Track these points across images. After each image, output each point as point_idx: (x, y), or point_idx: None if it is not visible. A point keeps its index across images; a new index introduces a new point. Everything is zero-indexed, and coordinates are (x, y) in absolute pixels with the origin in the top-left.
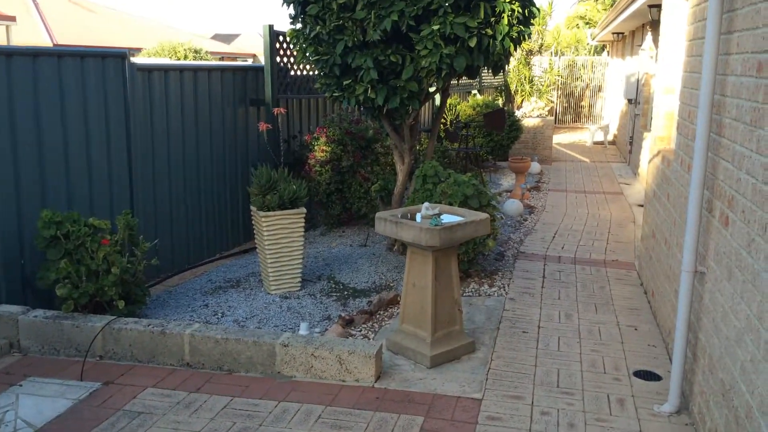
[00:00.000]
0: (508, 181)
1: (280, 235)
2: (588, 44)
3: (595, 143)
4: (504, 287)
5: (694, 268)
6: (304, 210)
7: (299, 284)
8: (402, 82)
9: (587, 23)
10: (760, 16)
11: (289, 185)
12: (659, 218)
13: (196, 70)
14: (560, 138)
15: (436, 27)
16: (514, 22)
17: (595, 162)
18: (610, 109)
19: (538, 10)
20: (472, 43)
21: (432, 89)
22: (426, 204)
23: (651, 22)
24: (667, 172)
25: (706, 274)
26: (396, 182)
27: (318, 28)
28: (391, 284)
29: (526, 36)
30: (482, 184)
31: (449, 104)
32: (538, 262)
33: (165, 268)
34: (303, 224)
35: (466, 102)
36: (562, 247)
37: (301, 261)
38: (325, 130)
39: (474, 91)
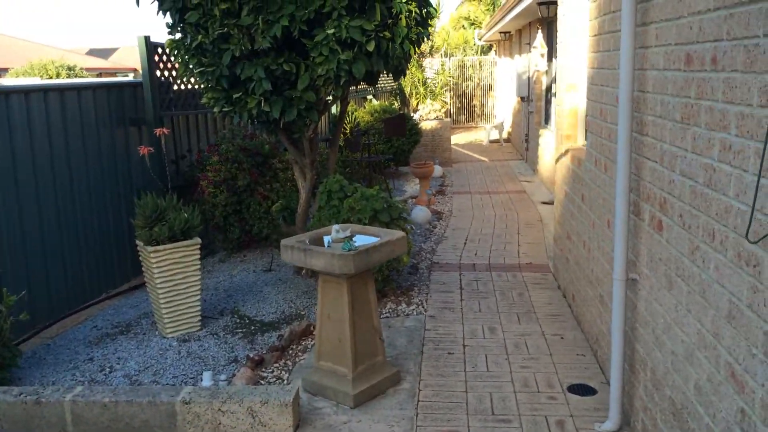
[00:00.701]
0: (411, 186)
1: (172, 270)
2: (475, 44)
3: (492, 142)
4: (422, 304)
5: (626, 276)
6: (199, 240)
7: (199, 323)
8: (298, 93)
9: (472, 24)
10: (683, 5)
11: (179, 214)
12: (575, 220)
13: (63, 89)
14: (457, 138)
15: (330, 31)
16: (413, 23)
17: (494, 161)
18: (502, 107)
19: (435, 10)
20: (371, 47)
21: (330, 98)
22: (336, 226)
23: (540, 19)
24: (579, 172)
25: (638, 281)
26: (299, 200)
27: (200, 37)
28: (302, 312)
29: (425, 38)
30: (388, 193)
31: (347, 111)
32: (453, 272)
33: (41, 317)
34: (198, 256)
35: (363, 108)
36: (476, 254)
37: (198, 297)
38: (217, 147)
39: (369, 96)
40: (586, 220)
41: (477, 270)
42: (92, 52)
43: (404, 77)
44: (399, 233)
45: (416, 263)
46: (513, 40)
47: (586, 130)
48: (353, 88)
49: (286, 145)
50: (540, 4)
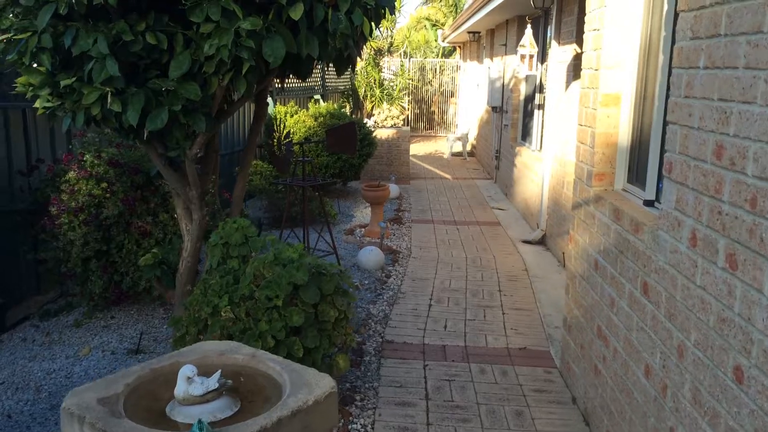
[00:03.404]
0: (361, 211)
1: None
2: (438, 46)
3: (454, 155)
4: (367, 429)
5: None
6: None
7: None
8: (171, 84)
9: (434, 25)
10: None
11: None
12: (620, 317)
13: None
14: (415, 148)
15: None
16: None
17: (458, 179)
18: (466, 116)
19: None
20: (296, 13)
21: (238, 95)
22: (188, 370)
23: (521, 15)
24: (640, 245)
25: None
26: (182, 251)
27: None
28: None
29: (386, 11)
30: (326, 215)
31: (278, 114)
32: (414, 360)
33: None
34: None
35: (306, 111)
36: (445, 327)
37: None
38: (77, 158)
39: (317, 96)
40: (659, 335)
41: (449, 358)
42: None
43: (353, 70)
44: (321, 389)
45: (362, 340)
46: (483, 42)
47: (626, 169)
48: (281, 80)
49: (159, 167)
50: None
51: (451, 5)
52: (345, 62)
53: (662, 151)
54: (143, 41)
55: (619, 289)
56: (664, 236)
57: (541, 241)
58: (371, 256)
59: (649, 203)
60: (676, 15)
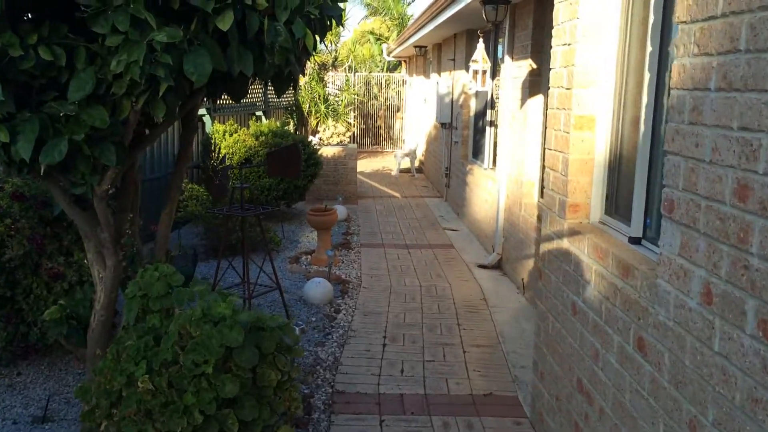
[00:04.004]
0: (307, 235)
1: None
2: (383, 60)
3: (402, 171)
4: None
5: None
6: None
7: None
8: (72, 108)
9: (378, 39)
10: None
11: None
12: (606, 372)
13: None
14: (362, 165)
15: None
16: None
17: (408, 197)
18: (413, 132)
19: None
20: (225, 22)
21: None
22: None
23: (472, 29)
24: (632, 293)
25: None
26: (94, 303)
27: None
28: None
29: (333, 22)
30: (268, 247)
31: (215, 134)
32: (369, 416)
33: None
34: None
35: (246, 129)
36: (402, 371)
37: None
38: None
39: (258, 113)
40: (662, 403)
41: (408, 410)
42: None
43: (296, 89)
44: None
45: (309, 394)
46: (429, 57)
47: (602, 199)
48: (213, 100)
49: (62, 205)
50: (486, 2)
51: (397, 19)
52: (285, 81)
53: (650, 183)
54: (36, 56)
55: (605, 341)
56: (665, 287)
57: (498, 266)
58: (318, 289)
59: (635, 241)
60: (664, 26)
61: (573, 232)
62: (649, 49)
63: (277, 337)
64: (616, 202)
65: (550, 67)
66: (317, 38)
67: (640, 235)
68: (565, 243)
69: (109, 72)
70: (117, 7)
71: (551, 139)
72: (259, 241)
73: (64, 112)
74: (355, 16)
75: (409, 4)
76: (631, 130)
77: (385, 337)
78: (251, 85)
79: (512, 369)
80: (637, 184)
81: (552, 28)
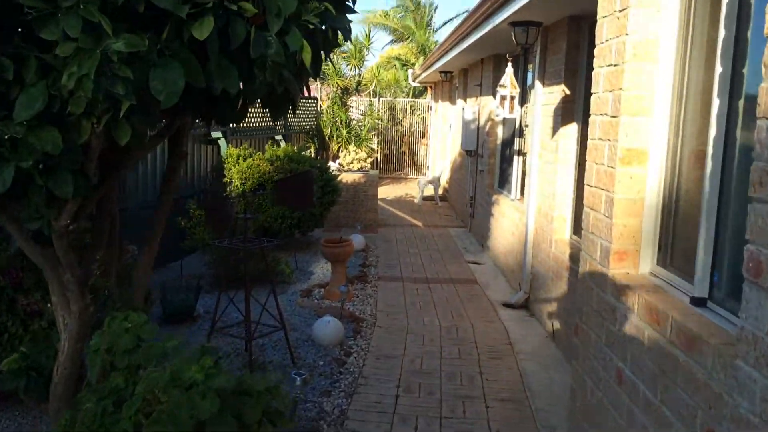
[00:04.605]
0: (322, 266)
1: None
2: (408, 85)
3: (425, 199)
4: None
5: None
6: None
7: None
8: (19, 130)
9: (404, 65)
10: None
11: None
12: None
13: None
14: (384, 191)
15: None
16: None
17: (430, 227)
18: (437, 158)
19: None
20: (202, 30)
21: (124, 142)
22: None
23: (499, 54)
24: (691, 365)
25: None
26: (58, 353)
27: None
28: None
29: (339, 35)
30: (273, 283)
31: (229, 158)
32: None
33: None
34: None
35: (261, 154)
36: (415, 428)
37: None
38: None
39: (278, 137)
40: None
41: None
42: None
43: (293, 113)
44: None
45: None
46: (455, 82)
47: (654, 247)
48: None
49: (19, 243)
50: (515, 24)
51: (420, 47)
52: (281, 102)
53: (719, 232)
54: None
55: (661, 424)
56: (749, 372)
57: (525, 305)
58: (328, 329)
59: (699, 302)
60: (738, 43)
61: (619, 286)
62: (718, 70)
63: (263, 403)
64: (672, 252)
65: (592, 91)
66: (322, 55)
67: (706, 296)
68: (608, 297)
69: (64, 87)
70: (68, 9)
71: (591, 174)
72: (269, 273)
73: (10, 134)
74: (381, 41)
75: (437, 30)
76: (692, 167)
77: (398, 387)
78: (248, 107)
79: (541, 430)
80: (702, 233)
81: (590, 50)
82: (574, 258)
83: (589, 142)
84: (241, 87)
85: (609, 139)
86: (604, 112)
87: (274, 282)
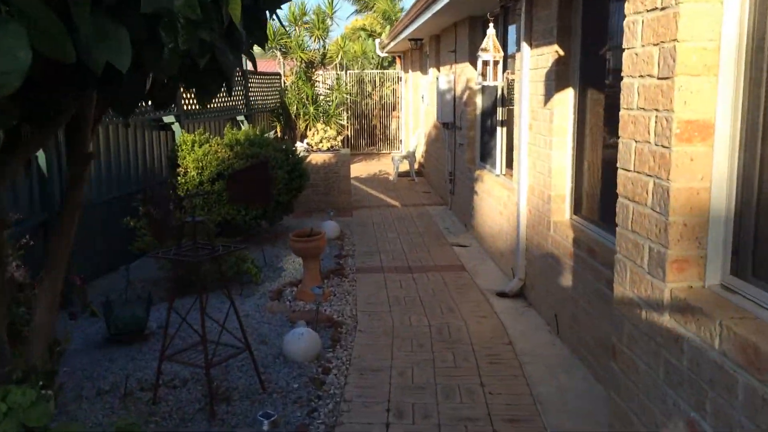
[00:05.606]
0: (293, 260)
1: None
2: (376, 56)
3: (400, 175)
4: None
5: None
6: None
7: None
8: None
9: (370, 35)
10: None
11: None
12: None
13: None
14: (357, 169)
15: None
16: None
17: (408, 206)
18: (410, 132)
19: None
20: None
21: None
22: None
23: (488, 13)
24: None
25: None
26: None
27: None
28: None
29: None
30: (230, 295)
31: (183, 145)
32: None
33: None
34: None
35: (219, 138)
36: None
37: None
38: None
39: (240, 118)
40: None
41: None
42: None
43: (229, 91)
44: None
45: None
46: (426, 50)
47: (727, 251)
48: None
49: None
50: None
51: (385, 16)
52: (209, 78)
53: None
54: None
55: None
56: None
57: (520, 293)
58: (302, 343)
59: None
60: None
61: (683, 306)
62: None
63: None
64: (755, 258)
65: (625, 47)
66: (266, 14)
67: None
68: (666, 320)
69: None
70: None
71: (630, 154)
72: (232, 275)
73: None
74: (345, 10)
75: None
76: None
77: (388, 411)
78: (176, 88)
79: None
80: None
81: (585, 2)
82: (579, 242)
83: (622, 113)
84: (144, 59)
85: (656, 109)
86: (646, 72)
87: (232, 293)
